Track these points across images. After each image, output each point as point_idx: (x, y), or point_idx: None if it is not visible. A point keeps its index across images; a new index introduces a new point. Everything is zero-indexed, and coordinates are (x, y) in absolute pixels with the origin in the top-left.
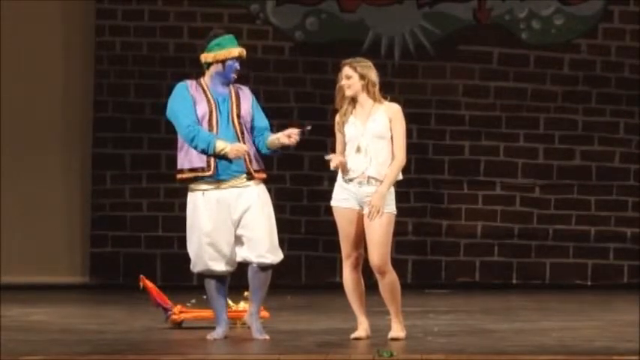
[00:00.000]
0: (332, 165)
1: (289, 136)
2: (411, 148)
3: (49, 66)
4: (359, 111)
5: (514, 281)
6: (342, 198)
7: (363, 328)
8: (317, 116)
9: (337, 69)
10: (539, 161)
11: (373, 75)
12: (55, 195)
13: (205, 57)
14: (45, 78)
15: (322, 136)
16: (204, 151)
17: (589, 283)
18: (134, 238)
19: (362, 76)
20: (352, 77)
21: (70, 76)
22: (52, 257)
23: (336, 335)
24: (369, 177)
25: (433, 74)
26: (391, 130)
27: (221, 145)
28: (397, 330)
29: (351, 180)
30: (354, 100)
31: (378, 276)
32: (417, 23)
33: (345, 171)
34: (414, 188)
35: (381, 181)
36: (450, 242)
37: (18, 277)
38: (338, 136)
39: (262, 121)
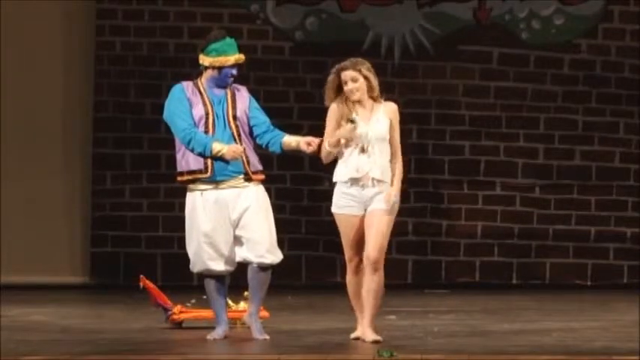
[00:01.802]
0: (358, 126)
1: (309, 144)
2: (411, 148)
3: (49, 66)
4: (360, 111)
5: (514, 281)
6: (345, 205)
7: (358, 329)
8: (317, 116)
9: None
10: (539, 161)
11: (374, 76)
12: (55, 195)
13: (202, 59)
14: (45, 78)
15: (322, 136)
16: (201, 154)
17: (589, 283)
18: (134, 238)
19: (366, 78)
20: (358, 80)
21: (70, 76)
22: (52, 257)
23: (336, 335)
24: (372, 178)
25: (433, 74)
26: (391, 130)
27: (217, 147)
28: (372, 334)
29: (354, 181)
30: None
31: (369, 271)
32: (417, 23)
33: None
34: (414, 188)
35: (383, 182)
36: (450, 242)
37: (18, 277)
38: (332, 125)
39: (263, 119)
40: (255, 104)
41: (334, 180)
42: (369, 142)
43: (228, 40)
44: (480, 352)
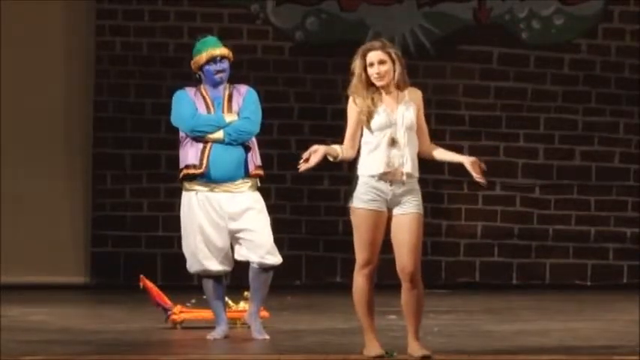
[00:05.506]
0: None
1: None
2: None
3: (50, 66)
4: (385, 99)
5: (514, 281)
6: (370, 199)
7: (376, 346)
8: (317, 116)
9: (337, 69)
10: (539, 161)
11: (403, 64)
12: (55, 195)
13: (192, 67)
14: (45, 78)
15: (322, 136)
16: (218, 127)
17: (589, 283)
18: (134, 238)
19: (394, 62)
20: (387, 63)
21: (70, 76)
22: (52, 257)
23: (336, 335)
24: (404, 173)
25: (433, 74)
26: (418, 118)
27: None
28: (419, 348)
29: (384, 176)
30: (374, 86)
31: (406, 285)
32: (417, 23)
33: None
34: None
35: (413, 177)
36: (450, 242)
37: (18, 277)
38: (353, 125)
39: (242, 113)
40: (247, 101)
41: (359, 174)
42: (400, 133)
43: (203, 39)
44: (480, 352)
